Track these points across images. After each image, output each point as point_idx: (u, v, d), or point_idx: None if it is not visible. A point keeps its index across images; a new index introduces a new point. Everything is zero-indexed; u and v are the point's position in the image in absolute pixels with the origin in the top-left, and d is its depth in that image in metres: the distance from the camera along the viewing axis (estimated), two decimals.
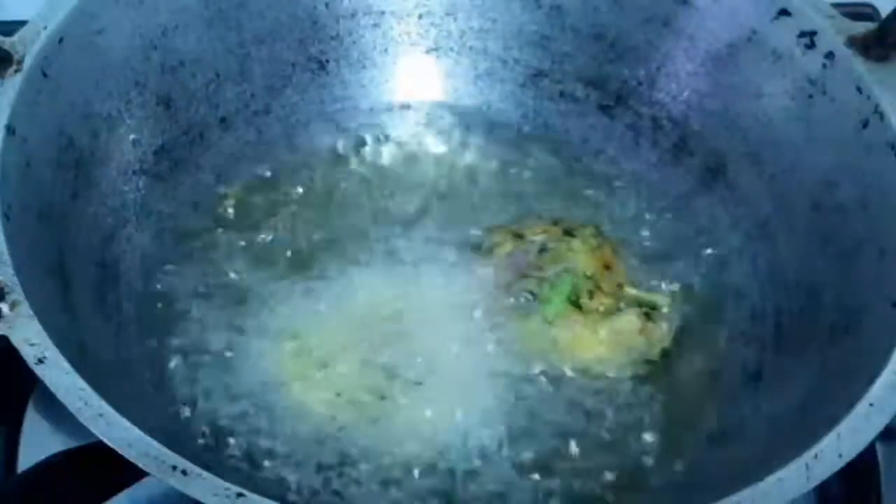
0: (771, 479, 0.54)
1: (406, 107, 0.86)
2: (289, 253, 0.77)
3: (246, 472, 0.66)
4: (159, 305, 0.73)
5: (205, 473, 0.51)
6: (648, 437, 0.70)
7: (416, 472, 0.67)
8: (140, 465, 0.51)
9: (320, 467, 0.67)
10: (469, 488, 0.67)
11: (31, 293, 0.57)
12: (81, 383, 0.54)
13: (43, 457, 0.63)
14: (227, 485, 0.51)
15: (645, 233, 0.80)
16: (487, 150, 0.85)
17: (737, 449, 0.66)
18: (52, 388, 0.54)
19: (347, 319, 0.74)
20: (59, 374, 0.54)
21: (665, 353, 0.74)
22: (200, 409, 0.69)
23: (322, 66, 0.84)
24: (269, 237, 0.78)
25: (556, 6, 0.83)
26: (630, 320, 0.74)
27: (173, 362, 0.71)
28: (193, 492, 0.51)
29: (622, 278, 0.76)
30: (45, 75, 0.68)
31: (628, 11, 0.82)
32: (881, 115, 0.69)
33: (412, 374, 0.71)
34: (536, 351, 0.73)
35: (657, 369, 0.73)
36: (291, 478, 0.67)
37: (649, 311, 0.75)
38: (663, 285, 0.77)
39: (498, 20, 0.85)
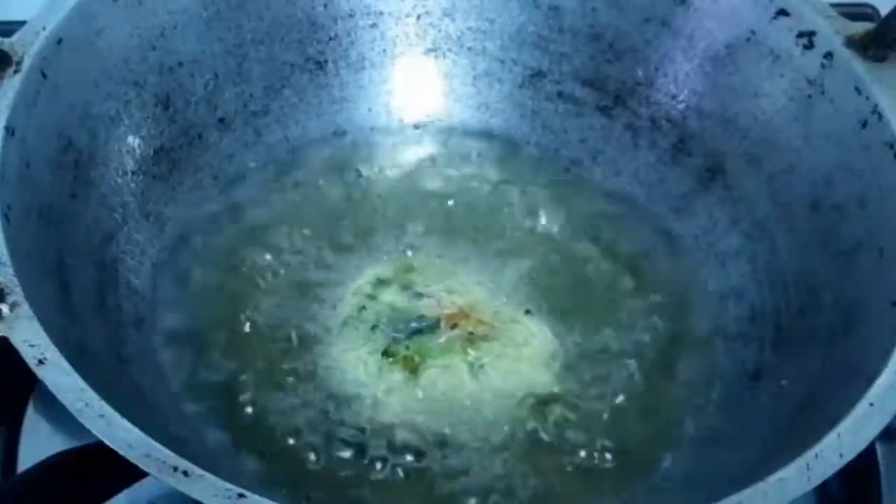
0: (771, 479, 0.54)
1: (404, 108, 0.86)
2: (288, 253, 0.77)
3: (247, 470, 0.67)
4: (159, 306, 0.73)
5: (206, 474, 0.51)
6: (648, 437, 0.70)
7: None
8: (141, 465, 0.51)
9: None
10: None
11: (31, 294, 0.57)
12: (82, 384, 0.54)
13: (43, 457, 0.63)
14: (228, 485, 0.51)
15: (643, 233, 0.81)
16: (485, 150, 0.85)
17: (737, 449, 0.66)
18: (53, 389, 0.54)
19: (345, 321, 0.74)
20: (59, 375, 0.54)
21: (664, 354, 0.74)
22: (200, 409, 0.69)
23: (320, 66, 0.84)
24: (268, 238, 0.78)
25: (554, 7, 0.83)
26: None
27: (174, 362, 0.71)
28: (194, 492, 0.50)
29: None
30: (44, 76, 0.68)
31: (627, 12, 0.82)
32: (880, 115, 0.69)
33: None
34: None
35: (656, 370, 0.73)
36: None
37: None
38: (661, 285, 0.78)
39: (496, 21, 0.85)
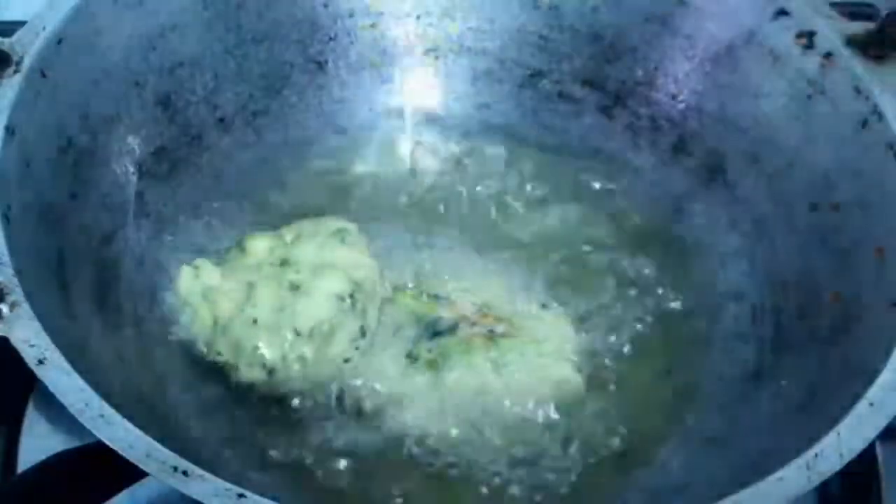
0: (771, 479, 0.54)
1: (404, 107, 0.86)
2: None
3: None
4: (159, 305, 0.73)
5: (206, 474, 0.51)
6: (648, 437, 0.70)
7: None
8: (141, 465, 0.51)
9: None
10: None
11: (31, 294, 0.57)
12: (82, 384, 0.54)
13: (43, 457, 0.63)
14: (228, 485, 0.51)
15: (644, 233, 0.81)
16: (486, 150, 0.85)
17: (737, 449, 0.66)
18: (53, 389, 0.54)
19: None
20: (59, 375, 0.54)
21: (667, 354, 0.74)
22: (212, 411, 0.69)
23: (320, 66, 0.84)
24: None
25: (555, 6, 0.83)
26: None
27: (173, 362, 0.71)
28: (194, 492, 0.51)
29: None
30: (44, 76, 0.68)
31: (626, 12, 0.82)
32: (880, 116, 0.69)
33: None
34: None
35: (660, 369, 0.73)
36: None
37: None
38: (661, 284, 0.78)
39: (496, 21, 0.85)
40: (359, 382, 0.70)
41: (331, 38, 0.84)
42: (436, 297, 0.74)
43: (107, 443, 0.52)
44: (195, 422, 0.69)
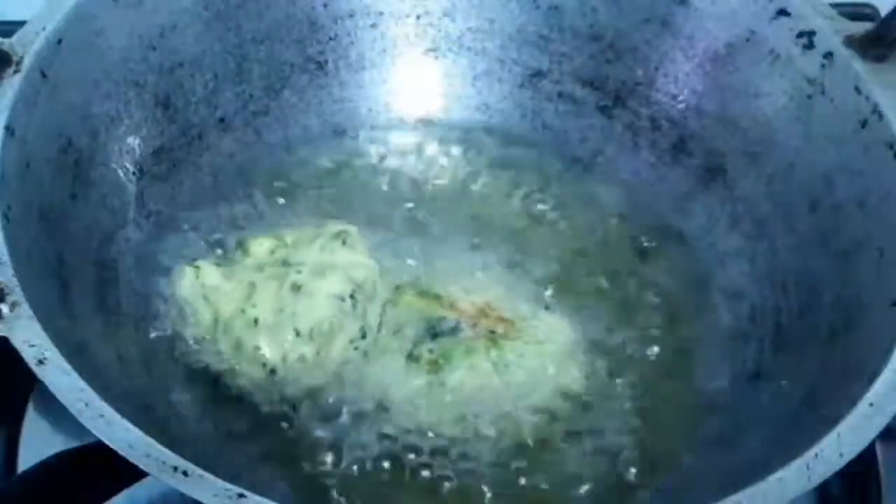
0: (771, 479, 0.54)
1: (404, 108, 0.86)
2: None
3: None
4: (159, 305, 0.73)
5: (205, 474, 0.51)
6: (650, 437, 0.70)
7: None
8: (141, 465, 0.51)
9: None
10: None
11: (31, 294, 0.57)
12: (82, 384, 0.54)
13: (43, 457, 0.63)
14: (228, 485, 0.51)
15: (644, 233, 0.81)
16: (485, 150, 0.85)
17: (737, 449, 0.66)
18: (53, 389, 0.54)
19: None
20: (59, 375, 0.54)
21: (667, 354, 0.74)
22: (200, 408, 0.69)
23: (320, 66, 0.84)
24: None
25: (554, 6, 0.83)
26: None
27: (174, 362, 0.71)
28: (194, 492, 0.51)
29: None
30: (44, 76, 0.68)
31: (626, 12, 0.82)
32: (880, 115, 0.69)
33: None
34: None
35: (661, 369, 0.73)
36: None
37: None
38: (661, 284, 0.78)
39: (496, 21, 0.85)
40: (359, 383, 0.70)
41: (331, 38, 0.84)
42: (437, 298, 0.74)
43: (107, 443, 0.52)
44: (195, 422, 0.69)
